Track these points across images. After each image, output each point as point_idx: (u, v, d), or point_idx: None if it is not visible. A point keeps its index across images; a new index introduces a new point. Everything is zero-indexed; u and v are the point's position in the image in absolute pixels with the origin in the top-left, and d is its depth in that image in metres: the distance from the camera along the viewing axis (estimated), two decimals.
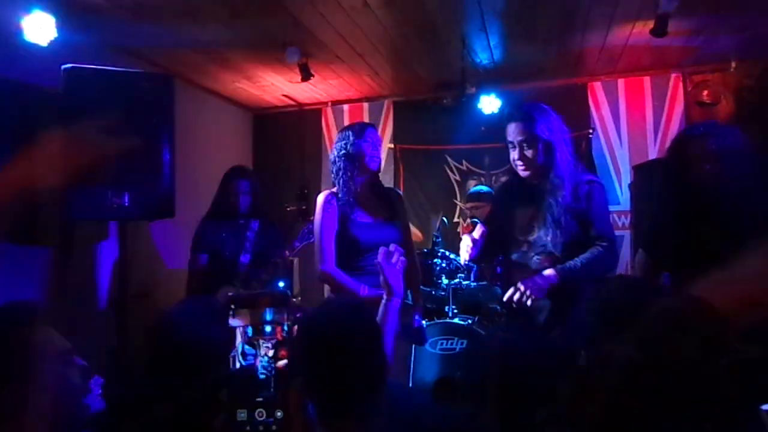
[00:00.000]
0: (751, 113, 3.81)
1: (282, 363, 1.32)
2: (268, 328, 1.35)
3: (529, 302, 2.09)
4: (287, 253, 2.99)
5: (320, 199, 2.38)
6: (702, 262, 2.05)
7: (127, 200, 2.77)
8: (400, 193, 2.57)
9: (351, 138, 2.34)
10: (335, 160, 2.38)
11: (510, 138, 2.23)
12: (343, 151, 2.34)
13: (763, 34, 3.54)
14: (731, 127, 2.42)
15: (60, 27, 2.83)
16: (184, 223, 3.03)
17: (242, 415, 1.24)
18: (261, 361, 1.32)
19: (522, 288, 2.10)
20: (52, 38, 2.82)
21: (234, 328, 1.35)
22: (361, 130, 2.37)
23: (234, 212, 2.91)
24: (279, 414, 1.24)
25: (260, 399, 1.26)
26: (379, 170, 2.41)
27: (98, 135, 1.62)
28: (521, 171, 2.24)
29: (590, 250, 2.17)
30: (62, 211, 2.76)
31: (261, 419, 1.24)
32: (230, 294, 1.53)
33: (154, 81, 2.87)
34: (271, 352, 1.32)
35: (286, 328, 1.35)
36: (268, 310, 1.35)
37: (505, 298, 2.14)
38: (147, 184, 2.85)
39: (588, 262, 2.14)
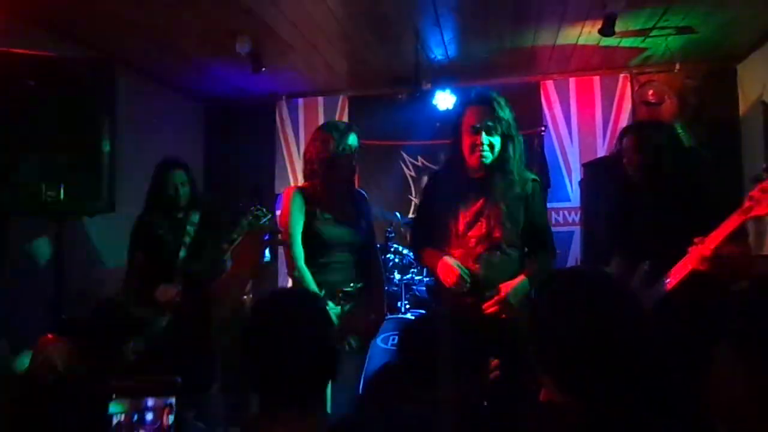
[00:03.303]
0: (694, 113, 3.96)
1: None
2: (149, 416, 1.28)
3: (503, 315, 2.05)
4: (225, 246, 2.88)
5: (287, 194, 2.37)
6: (646, 248, 2.17)
7: (62, 194, 2.62)
8: (365, 194, 2.53)
9: (327, 139, 2.31)
10: (309, 160, 2.36)
11: (473, 122, 2.10)
12: (318, 153, 2.31)
13: (706, 36, 3.68)
14: (666, 124, 2.55)
15: None
16: (126, 218, 2.89)
17: None
18: None
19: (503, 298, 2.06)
20: None
21: (111, 416, 1.27)
22: (343, 137, 2.32)
23: (172, 205, 2.77)
24: None
25: None
26: (352, 172, 2.39)
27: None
28: (482, 157, 2.10)
29: (539, 257, 2.20)
30: None
31: None
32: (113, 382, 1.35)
33: (93, 67, 2.72)
34: None
35: (172, 416, 1.29)
36: (148, 399, 1.28)
37: (487, 309, 2.07)
38: (85, 178, 2.71)
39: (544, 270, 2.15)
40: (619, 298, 1.07)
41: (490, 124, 2.08)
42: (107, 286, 3.34)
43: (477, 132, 2.09)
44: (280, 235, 2.31)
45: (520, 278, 2.10)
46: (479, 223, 2.14)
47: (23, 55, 2.57)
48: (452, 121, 2.25)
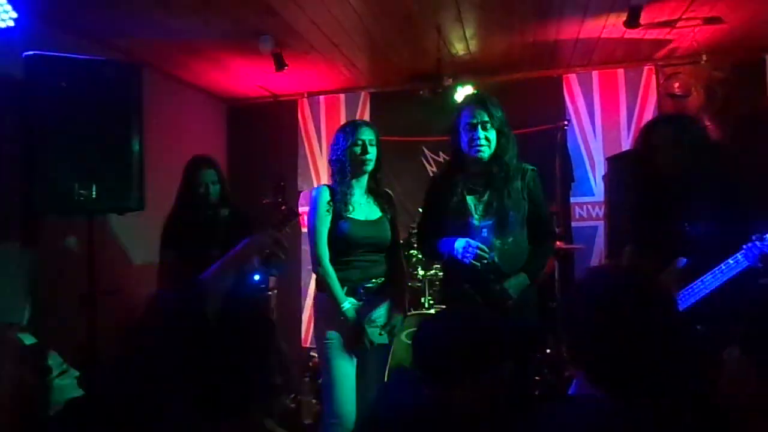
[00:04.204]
0: (721, 105, 3.88)
1: None
2: None
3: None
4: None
5: (315, 193, 2.44)
6: (677, 246, 2.14)
7: (94, 192, 2.70)
8: (392, 195, 2.57)
9: (346, 139, 2.38)
10: (331, 160, 2.45)
11: (470, 119, 2.26)
12: (339, 152, 2.39)
13: (733, 27, 3.60)
14: (693, 118, 2.49)
15: (21, 13, 2.72)
16: (155, 216, 2.95)
17: None
18: None
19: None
20: (11, 23, 2.69)
21: None
22: (354, 131, 2.38)
23: (202, 204, 2.82)
24: None
25: None
26: (375, 169, 2.43)
27: None
28: (479, 151, 2.25)
29: (540, 246, 2.34)
30: (25, 205, 2.67)
31: None
32: None
33: (122, 70, 2.80)
34: None
35: None
36: None
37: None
38: (115, 177, 2.78)
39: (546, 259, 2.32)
40: (655, 294, 1.07)
41: (485, 119, 2.24)
42: (138, 282, 3.42)
43: (473, 128, 2.24)
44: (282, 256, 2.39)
45: (521, 274, 2.24)
46: (489, 215, 2.25)
47: (55, 58, 2.65)
48: (450, 124, 2.37)
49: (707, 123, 3.24)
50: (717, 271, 2.02)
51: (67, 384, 2.26)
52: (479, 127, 2.23)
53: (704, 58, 4.02)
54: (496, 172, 2.26)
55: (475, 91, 2.47)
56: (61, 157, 2.62)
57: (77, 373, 2.24)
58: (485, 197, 2.27)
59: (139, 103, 2.82)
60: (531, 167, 2.35)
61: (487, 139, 2.24)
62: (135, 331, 1.13)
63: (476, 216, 2.26)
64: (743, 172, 2.45)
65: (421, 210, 2.56)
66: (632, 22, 3.22)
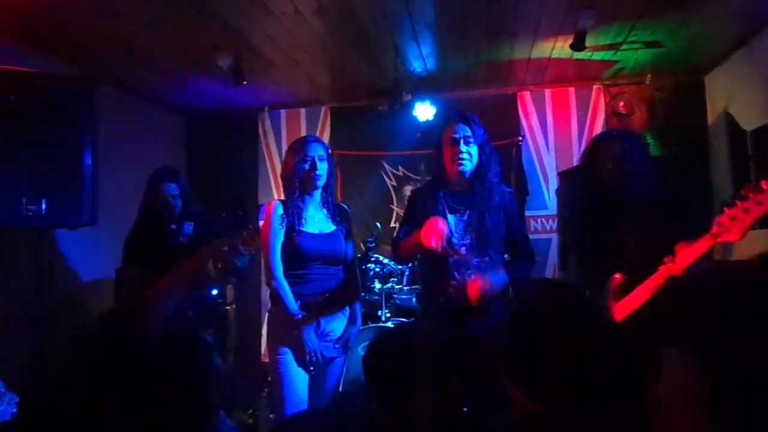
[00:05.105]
0: (663, 123, 4.09)
1: None
2: None
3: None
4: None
5: (269, 209, 2.46)
6: (616, 257, 2.25)
7: (44, 207, 2.66)
8: (347, 208, 2.62)
9: (295, 156, 2.42)
10: (283, 176, 2.50)
11: (452, 134, 2.32)
12: (289, 169, 2.43)
13: (674, 50, 3.81)
14: (635, 134, 2.63)
15: None
16: (109, 230, 2.92)
17: None
18: None
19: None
20: None
21: None
22: (302, 147, 2.43)
23: (165, 217, 2.79)
24: None
25: None
26: (327, 184, 2.47)
27: None
28: (461, 164, 2.30)
29: (519, 265, 2.35)
30: None
31: None
32: None
33: (74, 84, 2.77)
34: None
35: None
36: None
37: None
38: (67, 192, 2.74)
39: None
40: (586, 308, 1.13)
41: (468, 134, 2.30)
42: (92, 297, 3.36)
43: (456, 143, 2.30)
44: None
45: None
46: (468, 234, 2.30)
47: (5, 71, 2.61)
48: (433, 139, 2.43)
49: (649, 140, 3.42)
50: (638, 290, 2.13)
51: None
52: (462, 141, 2.30)
53: (648, 78, 4.24)
54: (478, 191, 2.32)
55: (458, 108, 2.48)
56: (9, 172, 2.58)
57: (17, 398, 2.17)
58: (465, 216, 2.32)
59: (91, 117, 2.79)
60: (509, 189, 2.44)
61: (469, 153, 2.31)
62: (73, 354, 1.11)
63: (456, 235, 2.31)
64: (680, 188, 2.59)
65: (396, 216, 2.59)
66: (578, 45, 3.38)
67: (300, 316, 2.34)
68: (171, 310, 2.01)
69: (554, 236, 4.50)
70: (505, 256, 2.37)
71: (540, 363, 1.07)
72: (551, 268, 4.45)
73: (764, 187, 1.78)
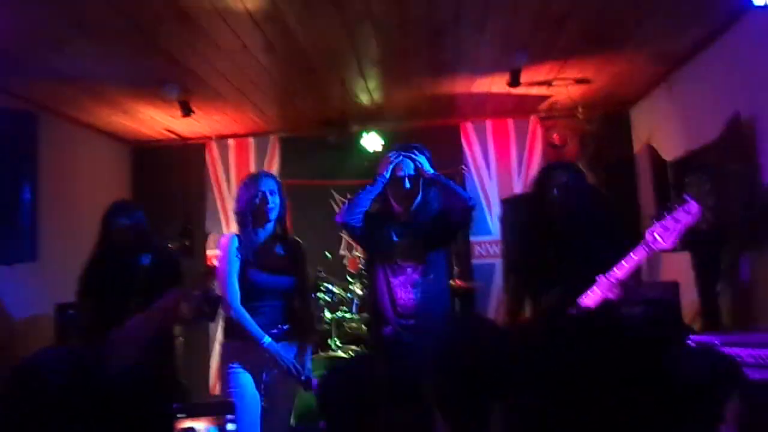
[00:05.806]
0: (593, 154, 4.37)
1: None
2: None
3: None
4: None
5: (224, 241, 2.50)
6: (554, 278, 2.40)
7: None
8: (300, 242, 2.66)
9: (247, 191, 2.47)
10: (236, 211, 2.53)
11: (396, 173, 2.44)
12: (242, 204, 2.47)
13: (601, 86, 4.12)
14: (574, 165, 2.84)
15: None
16: (52, 265, 2.84)
17: None
18: None
19: None
20: None
21: None
22: (254, 182, 2.48)
23: (120, 251, 2.74)
24: None
25: None
26: (279, 216, 2.51)
27: None
28: (406, 206, 2.45)
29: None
30: None
31: None
32: None
33: (14, 118, 2.73)
34: None
35: None
36: None
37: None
38: (4, 227, 2.67)
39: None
40: (481, 329, 1.26)
41: (411, 173, 2.44)
42: (32, 335, 3.22)
43: (400, 182, 2.43)
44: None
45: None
46: (414, 257, 2.44)
47: None
48: (378, 173, 2.52)
49: (582, 169, 3.64)
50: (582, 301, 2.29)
51: None
52: (405, 180, 2.42)
53: (580, 111, 4.53)
54: (421, 220, 2.45)
55: (407, 142, 2.57)
56: None
57: None
58: (411, 240, 2.45)
59: (32, 151, 2.76)
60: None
61: (413, 191, 2.44)
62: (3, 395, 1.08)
63: (403, 256, 2.45)
64: (611, 214, 2.79)
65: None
66: (514, 81, 3.61)
67: (266, 338, 2.36)
68: (136, 349, 1.99)
69: (499, 261, 4.67)
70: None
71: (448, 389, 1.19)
72: (496, 291, 4.61)
73: (687, 198, 2.01)
